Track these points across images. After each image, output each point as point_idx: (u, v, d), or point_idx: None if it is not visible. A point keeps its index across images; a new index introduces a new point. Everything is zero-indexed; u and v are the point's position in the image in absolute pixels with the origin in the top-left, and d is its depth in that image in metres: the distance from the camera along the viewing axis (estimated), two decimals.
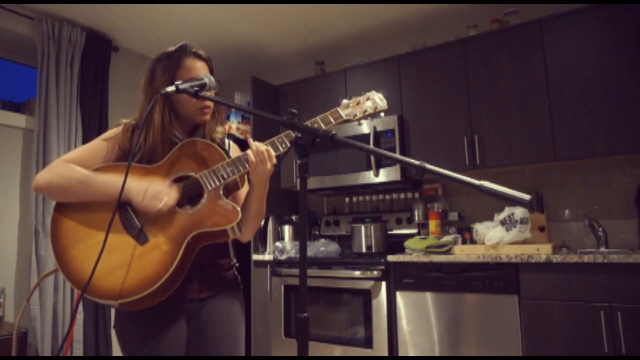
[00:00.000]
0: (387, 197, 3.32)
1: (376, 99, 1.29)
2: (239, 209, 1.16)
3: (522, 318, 2.23)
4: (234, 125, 3.45)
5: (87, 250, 1.12)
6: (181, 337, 1.21)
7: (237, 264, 1.38)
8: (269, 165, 1.18)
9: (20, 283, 2.80)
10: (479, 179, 0.81)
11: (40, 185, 1.14)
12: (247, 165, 1.19)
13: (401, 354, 2.51)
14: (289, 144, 1.21)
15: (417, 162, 0.84)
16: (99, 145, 1.23)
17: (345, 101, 1.29)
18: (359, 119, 1.28)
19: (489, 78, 2.73)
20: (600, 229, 2.50)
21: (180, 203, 1.18)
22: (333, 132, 0.95)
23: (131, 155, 1.15)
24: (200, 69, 1.27)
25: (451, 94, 2.85)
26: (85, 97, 3.12)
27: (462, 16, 3.18)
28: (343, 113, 1.27)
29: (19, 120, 2.91)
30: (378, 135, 2.95)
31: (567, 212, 2.74)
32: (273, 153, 1.20)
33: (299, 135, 0.96)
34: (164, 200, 1.12)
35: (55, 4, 2.85)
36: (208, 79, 1.18)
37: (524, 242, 2.36)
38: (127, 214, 1.16)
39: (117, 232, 1.14)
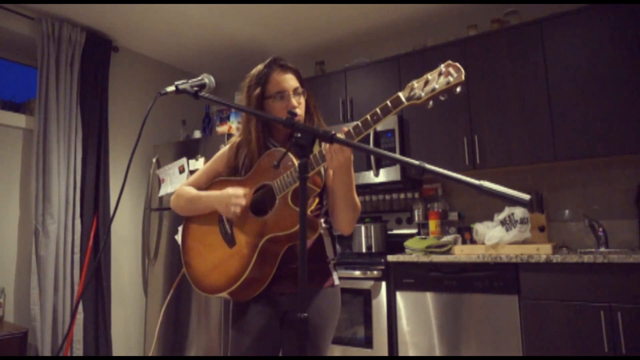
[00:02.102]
0: (387, 197, 3.32)
1: (451, 71, 1.03)
2: None
3: (522, 318, 2.23)
4: (234, 125, 3.45)
5: (199, 253, 1.39)
6: (274, 329, 1.34)
7: (333, 261, 1.43)
8: (340, 158, 1.14)
9: (20, 283, 2.80)
10: (479, 179, 0.81)
11: (173, 208, 1.47)
12: (309, 170, 1.17)
13: (401, 354, 2.51)
14: (363, 130, 1.12)
15: (417, 162, 0.84)
16: (210, 167, 1.47)
17: (410, 83, 1.08)
18: (424, 101, 1.05)
19: (489, 78, 2.73)
20: (600, 229, 2.50)
21: (263, 210, 1.30)
22: (333, 132, 0.95)
23: (133, 149, 1.17)
24: (287, 80, 1.36)
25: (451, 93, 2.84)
26: (85, 97, 3.11)
27: (462, 16, 3.18)
28: (404, 97, 1.07)
29: (19, 120, 2.91)
30: (378, 135, 2.95)
31: (567, 212, 2.74)
32: (348, 151, 1.16)
33: (299, 135, 0.96)
34: (234, 206, 1.27)
35: (55, 4, 2.85)
36: (208, 79, 1.18)
37: (524, 242, 2.36)
38: (223, 222, 1.36)
39: (216, 236, 1.36)
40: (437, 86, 1.03)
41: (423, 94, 1.05)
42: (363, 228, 2.91)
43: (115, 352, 3.21)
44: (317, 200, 1.34)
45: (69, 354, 2.82)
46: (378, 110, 1.10)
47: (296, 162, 1.22)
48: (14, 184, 2.86)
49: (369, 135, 2.95)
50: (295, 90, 1.36)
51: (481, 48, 2.77)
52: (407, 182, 2.94)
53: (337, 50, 3.72)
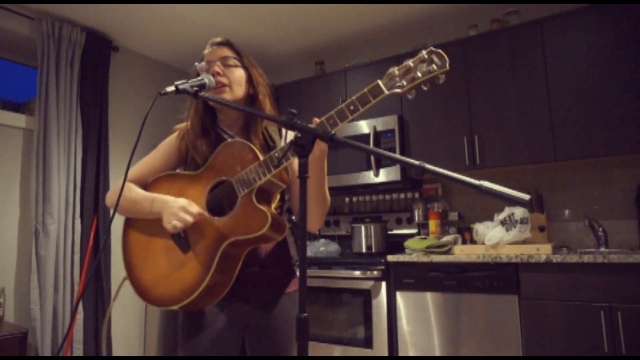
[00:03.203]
0: (387, 197, 3.32)
1: (434, 58, 0.96)
2: (269, 214, 1.09)
3: (522, 318, 2.23)
4: None
5: (144, 260, 1.21)
6: (234, 341, 1.23)
7: (297, 262, 1.33)
8: (315, 151, 1.08)
9: (20, 283, 2.79)
10: (479, 179, 0.81)
11: (108, 205, 1.29)
12: (278, 164, 1.10)
13: (401, 354, 2.51)
14: (339, 122, 1.02)
15: (417, 162, 0.83)
16: (156, 157, 1.32)
17: (390, 70, 1.00)
18: (406, 91, 0.98)
19: (489, 78, 2.73)
20: (600, 229, 2.50)
21: (221, 210, 1.17)
22: (333, 132, 0.95)
23: (133, 149, 1.12)
24: (214, 51, 1.28)
25: (451, 93, 2.85)
26: (85, 97, 3.11)
27: (462, 16, 3.18)
28: (385, 87, 0.99)
29: (19, 120, 2.91)
30: (378, 135, 2.95)
31: (567, 212, 2.74)
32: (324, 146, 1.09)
33: (299, 135, 0.95)
34: (175, 222, 1.13)
35: (55, 4, 2.85)
36: (208, 79, 1.17)
37: (524, 242, 2.36)
38: None
39: (167, 241, 1.19)
40: (419, 74, 0.97)
41: (405, 83, 0.98)
42: (363, 228, 2.91)
43: (115, 352, 3.21)
44: (278, 197, 1.24)
45: (69, 354, 2.82)
46: (355, 99, 1.00)
47: (260, 156, 1.13)
48: (14, 184, 2.86)
49: (369, 135, 2.95)
50: (223, 59, 1.26)
51: (481, 48, 2.77)
52: (407, 182, 2.94)
53: (337, 50, 3.72)
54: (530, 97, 2.59)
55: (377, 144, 2.94)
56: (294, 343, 1.24)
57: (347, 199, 3.47)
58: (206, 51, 1.30)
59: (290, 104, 3.49)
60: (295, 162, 1.19)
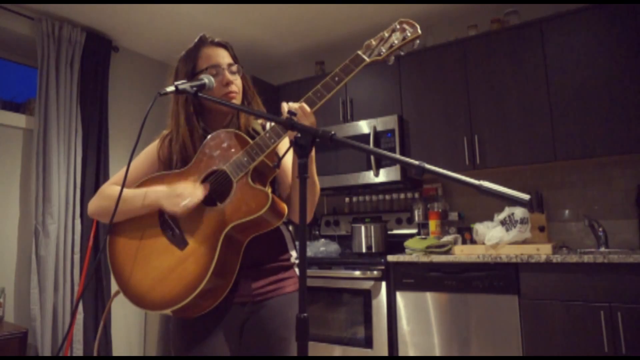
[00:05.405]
0: (387, 197, 3.32)
1: (405, 27, 1.08)
2: (268, 192, 1.10)
3: (522, 318, 2.23)
4: None
5: (134, 267, 1.16)
6: (233, 342, 1.20)
7: (297, 260, 1.29)
8: (307, 122, 1.07)
9: (20, 283, 2.79)
10: (479, 179, 0.81)
11: (92, 212, 1.24)
12: (269, 144, 1.11)
13: (401, 354, 2.51)
14: (326, 94, 1.09)
15: (416, 162, 0.83)
16: (141, 162, 1.30)
17: (367, 42, 1.10)
18: (385, 57, 1.08)
19: (489, 78, 2.73)
20: (600, 229, 2.50)
21: (216, 200, 1.16)
22: (333, 132, 0.95)
23: (133, 149, 1.13)
24: (219, 55, 1.25)
25: (451, 93, 2.85)
26: (85, 97, 3.11)
27: (462, 16, 3.18)
28: (366, 55, 1.09)
29: (19, 120, 2.91)
30: (378, 135, 2.95)
31: (567, 212, 2.74)
32: (308, 109, 1.08)
33: (299, 135, 0.95)
34: (187, 200, 1.10)
35: (55, 4, 2.85)
36: (208, 79, 1.17)
37: (524, 242, 2.36)
38: (165, 221, 1.17)
39: (159, 240, 1.16)
40: (395, 42, 1.08)
41: (384, 50, 1.08)
42: (363, 228, 2.91)
43: (115, 352, 3.21)
44: (269, 188, 1.20)
45: (69, 354, 2.82)
46: (339, 70, 1.09)
47: (249, 140, 1.15)
48: (14, 184, 2.86)
49: (369, 135, 2.95)
50: (229, 66, 1.25)
51: (481, 48, 2.77)
52: (407, 182, 2.95)
53: (337, 50, 3.72)
54: (530, 97, 2.60)
55: (377, 144, 2.94)
56: (291, 348, 1.22)
57: (347, 199, 3.47)
58: (208, 50, 1.25)
59: None
60: (283, 144, 1.20)
